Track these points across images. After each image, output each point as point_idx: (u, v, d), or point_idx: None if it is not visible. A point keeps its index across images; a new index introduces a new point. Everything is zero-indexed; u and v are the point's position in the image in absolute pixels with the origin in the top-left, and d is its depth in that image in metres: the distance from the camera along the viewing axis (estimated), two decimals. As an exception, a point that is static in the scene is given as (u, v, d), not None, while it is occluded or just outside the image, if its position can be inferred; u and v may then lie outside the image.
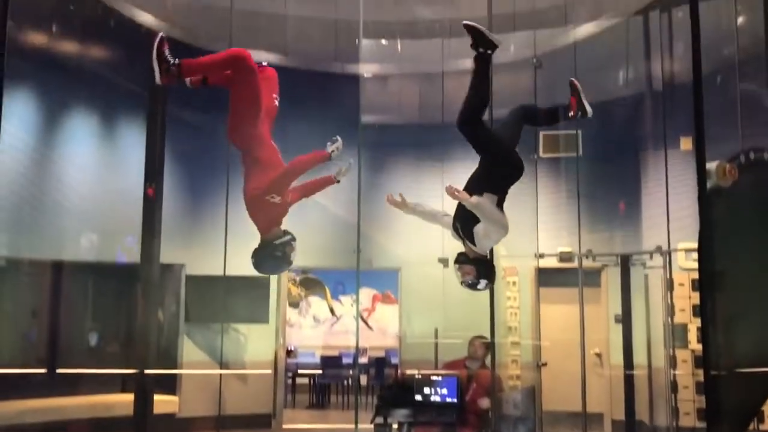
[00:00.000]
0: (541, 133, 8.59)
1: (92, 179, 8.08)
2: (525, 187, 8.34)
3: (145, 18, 7.74)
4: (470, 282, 3.97)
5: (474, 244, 3.86)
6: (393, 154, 9.34)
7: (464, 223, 3.87)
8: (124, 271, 8.28)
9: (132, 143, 8.22)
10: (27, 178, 7.48)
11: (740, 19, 6.32)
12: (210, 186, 8.11)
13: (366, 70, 8.88)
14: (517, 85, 8.05)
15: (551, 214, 8.28)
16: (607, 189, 8.47)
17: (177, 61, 3.75)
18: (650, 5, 7.75)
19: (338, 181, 4.65)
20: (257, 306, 8.76)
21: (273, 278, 8.89)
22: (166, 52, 3.74)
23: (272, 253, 4.10)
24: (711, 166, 3.42)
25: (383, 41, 9.23)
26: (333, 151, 4.33)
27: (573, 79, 4.36)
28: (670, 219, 7.03)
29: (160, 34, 3.80)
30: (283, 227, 4.18)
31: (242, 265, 7.70)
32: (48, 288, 8.33)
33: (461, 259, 3.97)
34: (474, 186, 3.82)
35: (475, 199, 3.69)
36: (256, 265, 4.19)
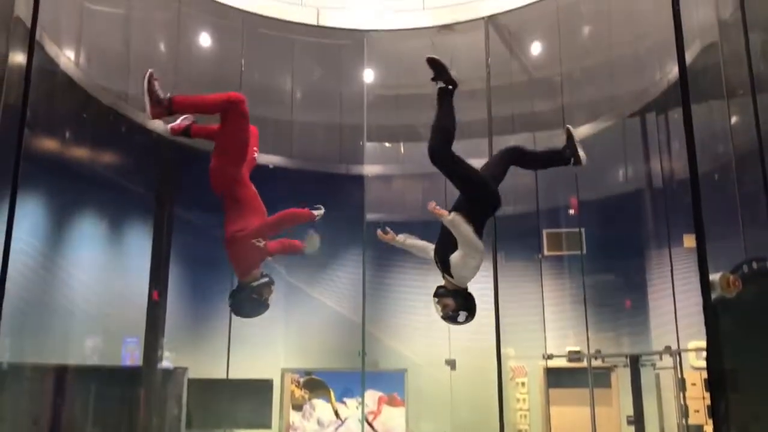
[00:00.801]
0: (544, 232, 8.65)
1: (98, 283, 8.09)
2: (530, 286, 8.36)
3: (156, 123, 7.97)
4: (449, 315, 3.90)
5: (451, 275, 3.83)
6: (398, 253, 9.35)
7: (443, 250, 3.87)
8: (127, 375, 8.16)
9: (139, 246, 8.28)
10: (33, 282, 7.49)
11: (733, 119, 6.48)
12: (214, 289, 8.11)
13: (370, 171, 9.06)
14: (518, 185, 8.21)
15: (558, 313, 8.23)
16: (613, 287, 8.44)
17: (168, 95, 3.83)
18: (646, 107, 7.98)
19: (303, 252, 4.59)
20: (260, 410, 8.55)
21: (276, 381, 8.74)
22: (157, 86, 3.83)
23: (249, 296, 4.08)
24: (715, 277, 3.43)
25: (386, 144, 9.47)
26: (318, 216, 4.37)
27: (569, 126, 4.42)
28: (678, 317, 6.97)
29: (150, 70, 3.86)
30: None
31: (245, 369, 7.63)
32: (50, 394, 8.17)
33: (440, 292, 3.93)
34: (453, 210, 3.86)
35: (451, 215, 3.72)
36: (234, 307, 4.16)
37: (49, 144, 7.68)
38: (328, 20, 7.72)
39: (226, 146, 4.02)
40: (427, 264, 9.64)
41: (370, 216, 8.52)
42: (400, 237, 4.46)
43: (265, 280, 4.12)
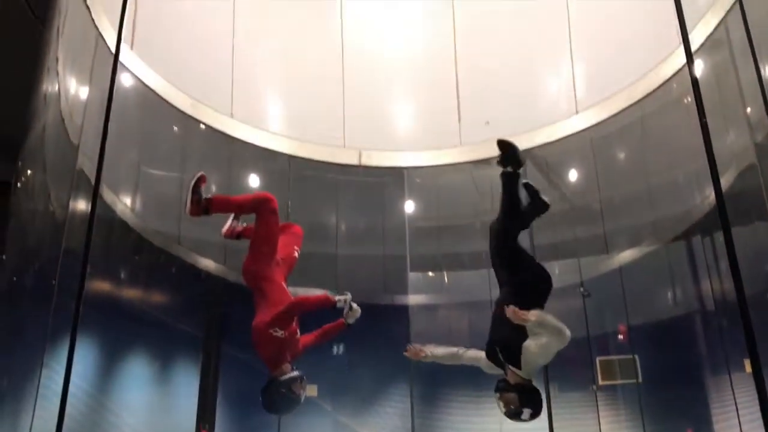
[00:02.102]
0: (598, 360, 8.40)
1: (146, 425, 8.05)
2: (586, 418, 8.03)
3: (206, 263, 8.21)
4: (512, 411, 3.64)
5: (519, 366, 3.62)
6: (446, 385, 9.18)
7: (508, 343, 3.67)
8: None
9: (186, 384, 8.29)
10: (83, 425, 7.49)
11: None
12: (261, 425, 8.00)
13: (414, 300, 9.06)
14: (566, 312, 8.09)
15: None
16: (673, 416, 8.04)
17: (209, 196, 4.11)
18: (689, 230, 7.94)
19: (348, 325, 4.52)
20: None
21: None
22: (202, 188, 4.13)
23: (278, 390, 4.06)
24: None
25: (430, 273, 9.52)
26: (339, 300, 4.30)
27: (527, 180, 4.12)
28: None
29: (200, 172, 4.16)
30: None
31: None
32: None
33: (501, 386, 3.69)
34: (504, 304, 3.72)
35: (534, 314, 3.57)
36: (265, 404, 4.14)
37: (103, 286, 7.94)
38: (370, 160, 8.02)
39: (257, 242, 4.22)
40: (476, 396, 9.47)
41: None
42: (428, 348, 4.36)
43: (295, 374, 4.12)
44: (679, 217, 7.90)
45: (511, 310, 3.57)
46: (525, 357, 3.61)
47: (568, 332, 3.59)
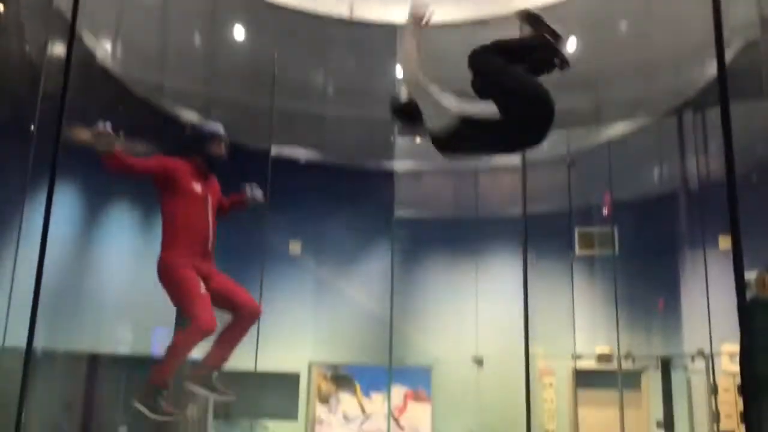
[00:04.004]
0: (576, 231, 8.56)
1: (129, 272, 8.20)
2: (561, 286, 8.28)
3: (189, 116, 8.05)
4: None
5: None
6: (427, 249, 9.36)
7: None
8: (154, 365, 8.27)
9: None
10: (66, 270, 7.63)
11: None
12: (244, 279, 8.15)
13: (400, 166, 9.04)
14: (551, 183, 8.12)
15: (588, 313, 8.14)
16: (645, 288, 8.32)
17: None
18: (683, 106, 7.84)
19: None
20: (287, 402, 8.62)
21: (304, 372, 8.78)
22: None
23: None
24: (750, 277, 3.35)
25: (417, 139, 9.43)
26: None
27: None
28: (711, 320, 6.84)
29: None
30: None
31: (273, 362, 7.66)
32: (82, 380, 8.32)
33: None
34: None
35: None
36: None
37: (84, 135, 7.79)
38: (362, 13, 7.68)
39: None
40: (455, 261, 9.67)
41: (399, 213, 8.51)
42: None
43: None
44: (674, 91, 7.77)
45: None
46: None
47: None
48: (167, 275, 4.09)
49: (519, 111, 2.93)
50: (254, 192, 4.50)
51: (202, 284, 3.98)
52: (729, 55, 5.61)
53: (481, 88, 3.02)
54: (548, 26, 3.22)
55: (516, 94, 2.95)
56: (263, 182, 6.82)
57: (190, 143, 4.29)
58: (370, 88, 8.68)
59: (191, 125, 4.44)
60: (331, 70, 8.76)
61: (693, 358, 7.51)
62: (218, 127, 4.40)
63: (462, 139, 3.05)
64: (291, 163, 8.75)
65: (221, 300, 4.15)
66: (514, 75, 3.01)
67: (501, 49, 3.08)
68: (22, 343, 3.83)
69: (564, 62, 3.25)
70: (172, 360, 3.97)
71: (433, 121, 3.04)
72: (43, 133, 5.28)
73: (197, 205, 4.17)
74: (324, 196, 8.97)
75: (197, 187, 4.14)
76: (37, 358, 7.55)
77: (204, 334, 3.88)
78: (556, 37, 3.21)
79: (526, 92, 2.98)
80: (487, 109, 2.94)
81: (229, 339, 4.20)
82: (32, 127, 5.53)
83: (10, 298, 5.30)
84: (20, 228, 5.35)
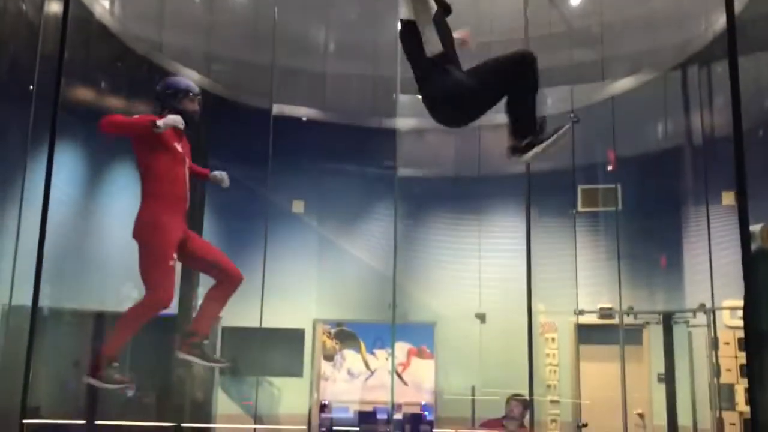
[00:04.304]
0: (579, 188, 8.53)
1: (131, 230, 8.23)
2: (564, 242, 8.30)
3: (190, 74, 7.97)
4: None
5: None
6: (429, 207, 9.36)
7: None
8: (162, 322, 8.34)
9: (173, 195, 8.38)
10: (71, 229, 7.65)
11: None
12: (247, 238, 8.20)
13: (403, 124, 8.98)
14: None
15: (590, 269, 8.16)
16: (648, 244, 8.33)
17: None
18: (688, 60, 7.74)
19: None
20: (292, 359, 8.74)
21: (308, 330, 8.86)
22: None
23: None
24: (755, 228, 3.33)
25: (419, 96, 9.34)
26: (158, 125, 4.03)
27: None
28: (713, 275, 6.87)
29: None
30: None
31: (278, 319, 7.72)
32: (88, 338, 8.41)
33: None
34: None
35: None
36: None
37: (84, 93, 7.74)
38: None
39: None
40: (458, 219, 9.69)
41: (402, 171, 8.48)
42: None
43: None
44: (681, 45, 7.66)
45: None
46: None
47: None
48: (146, 232, 4.07)
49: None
50: (222, 175, 4.51)
51: (174, 256, 3.93)
52: (738, 5, 5.53)
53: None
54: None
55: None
56: (265, 140, 6.82)
57: (163, 99, 4.19)
58: (372, 45, 8.58)
59: (162, 80, 4.30)
60: (333, 25, 8.65)
61: (694, 313, 7.57)
62: (190, 83, 4.29)
63: (441, 84, 3.22)
64: (293, 121, 8.70)
65: (201, 263, 4.12)
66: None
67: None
68: (27, 302, 3.86)
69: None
70: (122, 332, 3.99)
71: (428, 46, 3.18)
72: (43, 93, 5.24)
73: (177, 164, 4.14)
74: (326, 154, 8.94)
75: (177, 146, 4.08)
76: (44, 317, 7.64)
77: (159, 308, 3.86)
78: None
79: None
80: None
81: (213, 306, 4.20)
82: (31, 87, 5.48)
83: (15, 259, 5.32)
84: (23, 188, 5.34)
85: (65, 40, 3.86)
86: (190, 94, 4.23)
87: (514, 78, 3.17)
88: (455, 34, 3.39)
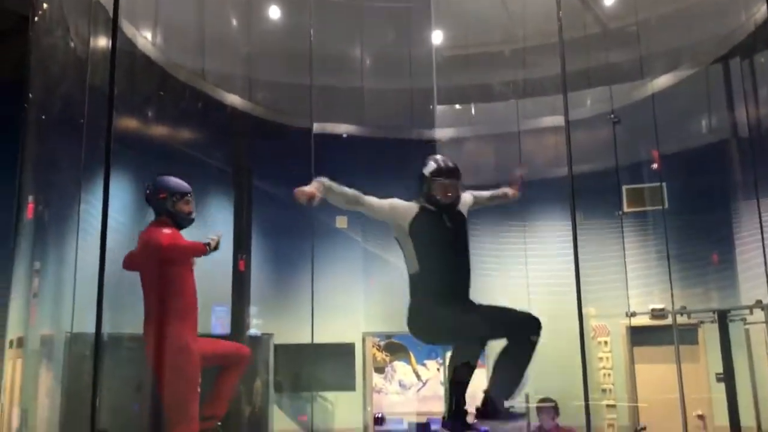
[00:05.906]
0: (624, 188, 8.43)
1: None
2: (611, 244, 8.20)
3: (232, 99, 8.16)
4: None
5: None
6: (472, 216, 9.31)
7: None
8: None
9: (222, 218, 8.54)
10: (122, 256, 7.84)
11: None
12: (296, 257, 8.31)
13: (441, 134, 9.02)
14: (595, 141, 8.01)
15: (640, 270, 8.04)
16: (698, 242, 8.17)
17: None
18: (730, 52, 7.61)
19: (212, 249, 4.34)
20: (344, 373, 8.80)
21: (358, 344, 8.92)
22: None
23: None
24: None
25: (457, 106, 9.39)
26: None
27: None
28: (768, 270, 6.71)
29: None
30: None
31: (329, 333, 7.81)
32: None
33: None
34: None
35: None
36: None
37: (131, 123, 7.97)
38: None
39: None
40: (503, 227, 9.62)
41: (443, 180, 8.49)
42: (320, 187, 3.63)
43: None
44: (721, 38, 7.54)
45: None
46: None
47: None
48: (181, 359, 3.85)
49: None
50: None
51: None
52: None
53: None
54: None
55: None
56: (307, 158, 6.93)
57: (155, 204, 4.15)
58: (407, 58, 8.66)
59: (152, 184, 4.29)
60: (367, 42, 8.76)
61: (751, 310, 7.38)
62: (181, 183, 4.24)
63: None
64: (333, 138, 8.81)
65: (209, 362, 4.02)
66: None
67: None
68: (88, 329, 3.94)
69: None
70: None
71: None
72: (92, 126, 5.41)
73: (192, 275, 4.09)
74: (367, 168, 9.01)
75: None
76: (105, 343, 7.85)
77: None
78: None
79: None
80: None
81: (228, 387, 4.13)
82: (81, 120, 5.68)
83: (74, 287, 5.50)
84: (78, 220, 5.52)
85: (114, 73, 3.98)
86: (186, 195, 4.22)
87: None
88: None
